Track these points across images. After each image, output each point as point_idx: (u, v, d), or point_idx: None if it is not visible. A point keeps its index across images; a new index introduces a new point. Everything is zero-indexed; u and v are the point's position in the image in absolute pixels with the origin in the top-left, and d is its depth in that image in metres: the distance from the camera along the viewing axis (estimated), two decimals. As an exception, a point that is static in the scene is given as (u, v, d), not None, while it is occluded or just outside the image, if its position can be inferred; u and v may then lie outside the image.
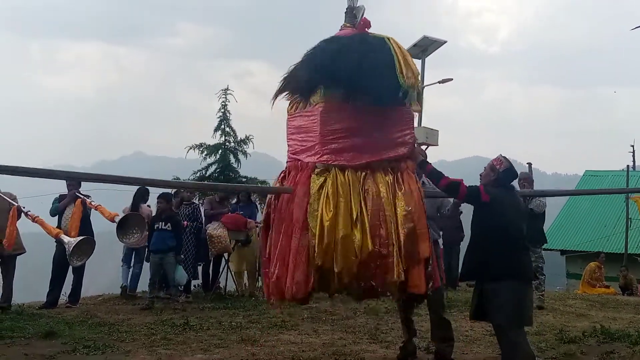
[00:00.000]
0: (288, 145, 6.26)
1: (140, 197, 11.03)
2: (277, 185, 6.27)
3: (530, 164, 19.11)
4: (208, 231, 11.09)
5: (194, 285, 11.83)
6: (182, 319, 8.66)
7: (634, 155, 35.88)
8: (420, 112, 6.26)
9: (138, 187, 11.13)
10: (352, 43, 5.82)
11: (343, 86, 5.75)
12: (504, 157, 5.80)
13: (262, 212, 11.70)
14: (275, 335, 7.73)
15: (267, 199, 6.42)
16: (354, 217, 5.50)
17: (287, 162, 6.26)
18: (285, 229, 5.72)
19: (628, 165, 25.90)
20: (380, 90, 5.64)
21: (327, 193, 5.55)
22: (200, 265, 11.69)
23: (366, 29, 6.15)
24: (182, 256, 10.57)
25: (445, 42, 18.57)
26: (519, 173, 11.07)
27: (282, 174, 6.25)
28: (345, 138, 5.78)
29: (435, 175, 5.85)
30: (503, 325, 5.45)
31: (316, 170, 5.71)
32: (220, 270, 11.66)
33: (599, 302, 11.88)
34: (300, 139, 6.04)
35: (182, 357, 6.64)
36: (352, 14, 6.25)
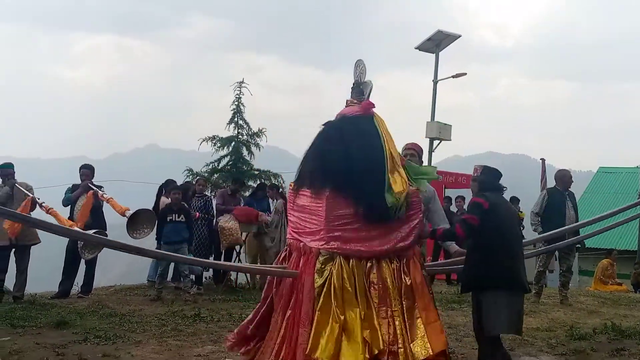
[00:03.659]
0: (290, 221, 6.13)
1: (165, 187, 11.19)
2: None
3: (543, 160, 19.04)
4: (220, 223, 11.14)
5: (205, 277, 11.88)
6: (192, 311, 8.70)
7: (647, 152, 35.62)
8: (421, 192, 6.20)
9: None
10: (356, 155, 5.78)
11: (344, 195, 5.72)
12: (479, 165, 5.84)
13: (273, 207, 11.77)
14: (285, 328, 7.74)
15: (268, 279, 6.24)
16: (362, 314, 5.36)
17: (288, 238, 6.14)
18: (290, 318, 5.56)
19: (642, 162, 25.73)
20: (370, 212, 5.63)
21: (334, 288, 5.41)
22: (212, 256, 11.72)
23: (371, 109, 6.07)
24: (192, 247, 10.63)
25: (460, 36, 18.53)
26: (557, 171, 10.79)
27: (283, 254, 6.13)
28: (351, 224, 5.64)
29: (450, 235, 5.86)
30: (492, 335, 5.46)
31: (320, 258, 5.57)
32: (232, 262, 11.70)
33: (611, 299, 11.84)
34: (303, 218, 5.89)
35: (192, 348, 6.67)
36: (359, 89, 6.13)
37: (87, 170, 10.07)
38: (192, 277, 10.72)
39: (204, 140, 15.44)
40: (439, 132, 18.46)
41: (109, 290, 11.25)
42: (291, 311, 5.59)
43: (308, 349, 5.27)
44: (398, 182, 5.75)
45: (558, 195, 10.26)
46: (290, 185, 6.27)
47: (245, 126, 15.54)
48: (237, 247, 11.58)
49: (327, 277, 5.47)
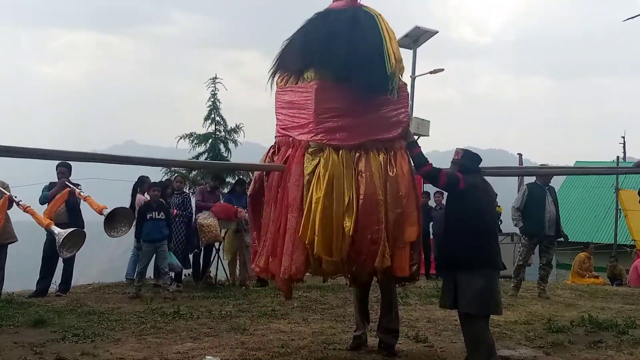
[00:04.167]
0: (277, 119, 6.21)
1: (139, 185, 11.07)
2: (267, 161, 6.23)
3: (520, 155, 19.18)
4: (198, 220, 11.10)
5: (185, 275, 11.83)
6: (172, 308, 8.67)
7: (624, 147, 36.00)
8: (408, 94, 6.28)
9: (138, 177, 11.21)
10: (344, 26, 5.82)
11: (334, 72, 5.79)
12: (460, 149, 5.91)
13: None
14: (265, 324, 7.75)
15: (255, 173, 6.39)
16: (346, 202, 5.53)
17: (275, 136, 6.22)
18: (279, 207, 5.74)
19: (618, 157, 25.96)
20: (369, 80, 5.70)
21: (319, 174, 5.56)
22: (191, 254, 11.66)
23: (358, 1, 6.16)
24: (172, 244, 10.59)
25: (437, 32, 18.57)
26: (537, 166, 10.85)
27: (271, 150, 6.23)
28: (339, 117, 5.77)
29: (420, 160, 5.86)
30: (472, 314, 5.49)
31: (310, 149, 5.70)
32: (211, 259, 11.67)
33: (588, 292, 11.95)
34: (291, 114, 5.99)
35: (172, 345, 6.64)
36: None
37: (64, 169, 9.96)
38: (172, 274, 10.67)
39: (181, 138, 15.38)
40: (417, 128, 18.49)
41: (88, 288, 11.18)
42: (280, 201, 5.76)
43: (298, 234, 5.51)
44: (397, 53, 5.85)
45: (538, 190, 10.34)
46: (277, 82, 6.29)
47: (222, 122, 15.50)
48: (217, 244, 11.54)
49: (316, 165, 5.62)
